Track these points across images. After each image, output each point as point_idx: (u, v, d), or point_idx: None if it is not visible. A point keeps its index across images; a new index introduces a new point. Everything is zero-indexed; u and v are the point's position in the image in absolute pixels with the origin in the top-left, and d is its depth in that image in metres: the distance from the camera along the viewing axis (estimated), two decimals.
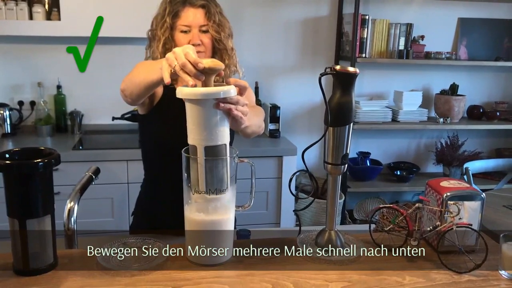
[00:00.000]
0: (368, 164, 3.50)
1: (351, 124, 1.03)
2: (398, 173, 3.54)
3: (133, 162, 2.74)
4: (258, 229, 1.73)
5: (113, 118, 2.90)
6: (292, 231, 1.22)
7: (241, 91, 1.05)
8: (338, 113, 1.02)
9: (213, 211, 1.00)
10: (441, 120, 3.39)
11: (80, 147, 2.87)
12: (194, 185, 0.98)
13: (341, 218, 3.28)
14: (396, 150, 3.67)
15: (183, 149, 0.99)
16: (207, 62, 0.95)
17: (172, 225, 1.46)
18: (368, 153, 3.52)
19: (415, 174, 3.53)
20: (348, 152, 1.05)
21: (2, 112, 2.92)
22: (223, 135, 0.98)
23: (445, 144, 3.53)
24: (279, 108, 3.16)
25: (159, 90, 1.52)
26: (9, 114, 2.95)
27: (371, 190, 3.44)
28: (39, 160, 0.92)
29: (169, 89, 1.54)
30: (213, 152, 0.96)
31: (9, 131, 2.95)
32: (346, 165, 1.06)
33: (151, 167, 1.64)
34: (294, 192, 3.00)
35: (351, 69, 1.00)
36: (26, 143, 2.86)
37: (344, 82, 1.01)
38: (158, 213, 1.63)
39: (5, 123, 2.93)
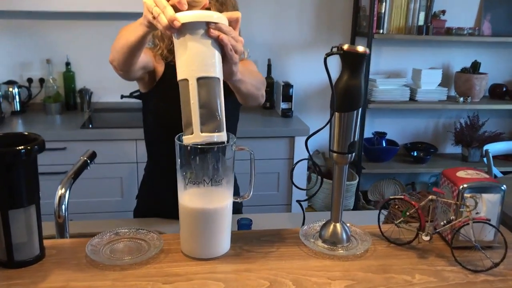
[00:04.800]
0: (384, 145, 3.41)
1: (359, 109, 0.94)
2: (415, 154, 3.44)
3: (142, 142, 2.67)
4: (263, 214, 1.67)
5: (122, 96, 2.85)
6: (299, 217, 1.15)
7: (232, 24, 0.95)
8: (345, 97, 0.93)
9: (209, 199, 0.93)
10: (461, 99, 3.26)
11: (90, 125, 2.83)
12: (186, 127, 0.89)
13: (354, 199, 3.21)
14: (413, 130, 3.57)
15: (176, 136, 0.92)
16: None
17: (175, 209, 1.41)
18: (384, 133, 3.42)
19: (433, 155, 3.42)
20: (355, 140, 0.96)
21: (11, 89, 2.89)
22: (216, 68, 0.90)
23: (465, 124, 3.41)
24: (292, 86, 3.06)
25: (160, 68, 1.46)
26: (18, 92, 2.91)
27: (387, 172, 3.36)
28: (22, 147, 0.85)
29: (170, 66, 1.47)
30: (206, 84, 0.88)
31: (18, 109, 2.92)
32: (354, 154, 0.98)
33: (153, 148, 1.59)
34: (305, 174, 2.93)
35: (360, 48, 0.91)
36: (35, 121, 2.83)
37: (352, 63, 0.92)
38: (161, 196, 1.57)
39: (14, 101, 2.90)
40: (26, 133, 0.92)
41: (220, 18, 0.89)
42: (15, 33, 2.98)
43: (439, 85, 3.30)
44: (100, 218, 2.71)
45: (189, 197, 0.93)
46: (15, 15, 2.93)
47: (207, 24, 0.87)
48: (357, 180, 3.14)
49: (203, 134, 0.88)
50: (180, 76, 0.89)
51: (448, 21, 3.24)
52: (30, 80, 3.01)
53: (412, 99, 3.28)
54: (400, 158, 3.44)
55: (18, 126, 2.76)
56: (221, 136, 0.89)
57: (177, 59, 0.90)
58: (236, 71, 1.01)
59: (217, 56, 0.91)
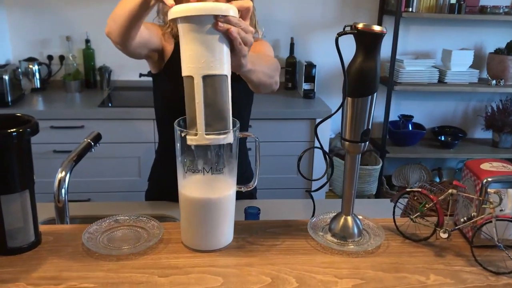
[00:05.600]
0: (410, 128, 3.29)
1: (375, 94, 0.86)
2: (443, 138, 3.31)
3: None
4: (276, 200, 1.61)
5: (140, 75, 2.81)
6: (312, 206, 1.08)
7: (243, 14, 0.89)
8: (359, 81, 0.85)
9: (210, 189, 0.88)
10: (494, 82, 3.10)
11: (110, 104, 2.81)
12: (190, 126, 0.84)
13: (377, 184, 3.12)
14: (441, 113, 3.43)
15: (176, 121, 0.87)
16: None
17: None
18: (411, 117, 3.30)
19: (461, 140, 3.30)
20: (370, 127, 0.89)
21: (31, 66, 2.89)
22: (224, 64, 0.83)
23: (497, 108, 3.26)
24: (314, 66, 2.97)
25: (169, 47, 1.39)
26: (38, 69, 2.91)
27: (412, 156, 3.25)
28: (13, 130, 0.81)
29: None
30: (212, 82, 0.82)
31: (38, 86, 2.91)
32: (367, 143, 0.90)
33: (162, 131, 1.54)
34: (331, 157, 2.85)
35: (376, 28, 0.82)
36: (54, 98, 2.83)
37: (367, 44, 0.84)
38: (171, 180, 1.52)
39: (34, 78, 2.90)
40: (18, 114, 0.87)
41: (228, 9, 0.82)
42: (35, 10, 2.96)
43: (470, 66, 3.15)
44: (117, 197, 2.71)
45: (188, 186, 0.88)
46: None
47: (215, 17, 0.80)
48: (380, 164, 3.05)
49: (208, 136, 0.82)
50: (184, 72, 0.83)
51: None
52: (50, 58, 3.00)
53: (441, 81, 3.14)
54: (427, 143, 3.32)
55: (38, 103, 2.75)
56: (227, 137, 0.83)
57: (182, 52, 0.83)
58: (245, 63, 0.94)
59: (225, 51, 0.84)
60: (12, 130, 0.81)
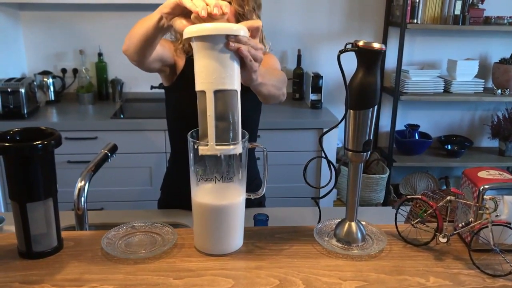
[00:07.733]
0: (417, 137, 3.33)
1: (375, 107, 0.92)
2: (449, 147, 3.35)
3: None
4: (285, 208, 1.66)
5: (152, 87, 2.89)
6: (322, 212, 1.13)
7: (253, 33, 0.95)
8: (360, 95, 0.91)
9: (221, 196, 0.93)
10: (499, 91, 3.14)
11: (122, 115, 2.88)
12: (202, 138, 0.90)
13: (385, 193, 3.16)
14: (447, 123, 3.47)
15: (189, 132, 0.93)
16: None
17: None
18: (417, 126, 3.34)
19: (468, 149, 3.33)
20: (371, 138, 0.94)
21: (46, 79, 2.97)
22: (234, 80, 0.89)
23: (503, 117, 3.29)
24: (321, 77, 3.03)
25: (181, 62, 1.46)
26: (53, 82, 2.99)
27: (419, 165, 3.28)
28: (39, 142, 0.88)
29: (191, 61, 1.47)
30: (223, 97, 0.88)
31: (52, 99, 3.00)
32: (369, 152, 0.96)
33: (174, 141, 1.60)
34: (334, 166, 2.89)
35: (376, 45, 0.88)
36: (68, 110, 2.91)
37: (367, 60, 0.90)
38: (183, 188, 1.58)
39: (49, 91, 2.98)
40: (43, 127, 0.94)
41: (239, 29, 0.88)
42: (49, 25, 3.06)
43: (475, 76, 3.19)
44: (129, 206, 2.78)
45: (201, 193, 0.94)
46: (49, 7, 3.00)
47: (227, 37, 0.86)
48: (387, 173, 3.09)
49: (218, 147, 0.88)
50: (197, 87, 0.89)
51: (487, 10, 3.12)
52: (64, 71, 3.09)
53: (446, 91, 3.18)
54: (434, 151, 3.36)
55: (53, 115, 2.84)
56: (237, 148, 0.89)
57: (195, 68, 0.89)
58: (256, 77, 1.00)
59: (235, 67, 0.90)
60: (37, 142, 0.88)
